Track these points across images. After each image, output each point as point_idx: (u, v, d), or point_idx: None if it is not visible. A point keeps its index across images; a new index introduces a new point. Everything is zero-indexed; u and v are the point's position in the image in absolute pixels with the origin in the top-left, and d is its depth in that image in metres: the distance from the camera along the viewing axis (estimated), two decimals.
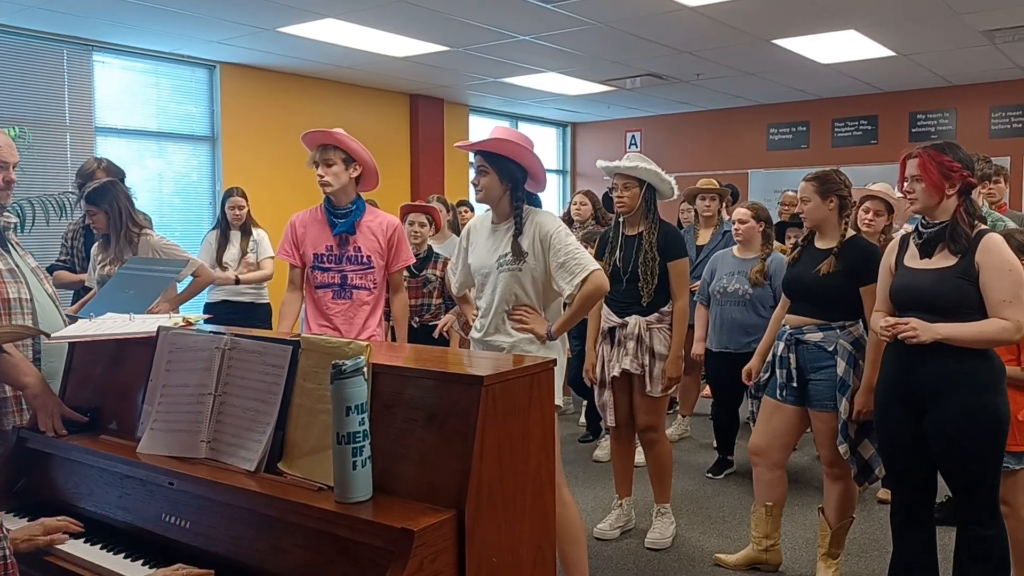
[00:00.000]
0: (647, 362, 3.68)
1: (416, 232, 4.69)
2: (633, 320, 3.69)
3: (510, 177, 2.95)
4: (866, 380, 3.14)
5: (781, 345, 3.35)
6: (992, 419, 2.63)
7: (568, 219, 6.04)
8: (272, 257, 5.42)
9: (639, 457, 4.71)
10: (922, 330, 2.60)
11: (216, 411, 2.00)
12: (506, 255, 2.95)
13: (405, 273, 4.61)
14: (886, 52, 7.18)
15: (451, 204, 6.29)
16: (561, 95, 9.25)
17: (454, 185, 9.53)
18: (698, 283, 5.01)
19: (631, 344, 3.68)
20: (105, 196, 3.90)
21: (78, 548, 1.96)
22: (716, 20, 6.14)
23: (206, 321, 2.37)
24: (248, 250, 5.42)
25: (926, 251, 2.71)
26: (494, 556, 1.72)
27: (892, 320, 2.68)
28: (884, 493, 4.42)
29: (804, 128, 9.93)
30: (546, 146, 11.50)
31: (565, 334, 3.09)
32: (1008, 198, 8.19)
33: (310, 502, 1.71)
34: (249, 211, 5.50)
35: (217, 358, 2.03)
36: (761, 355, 3.62)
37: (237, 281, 5.29)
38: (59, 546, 1.96)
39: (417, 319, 4.62)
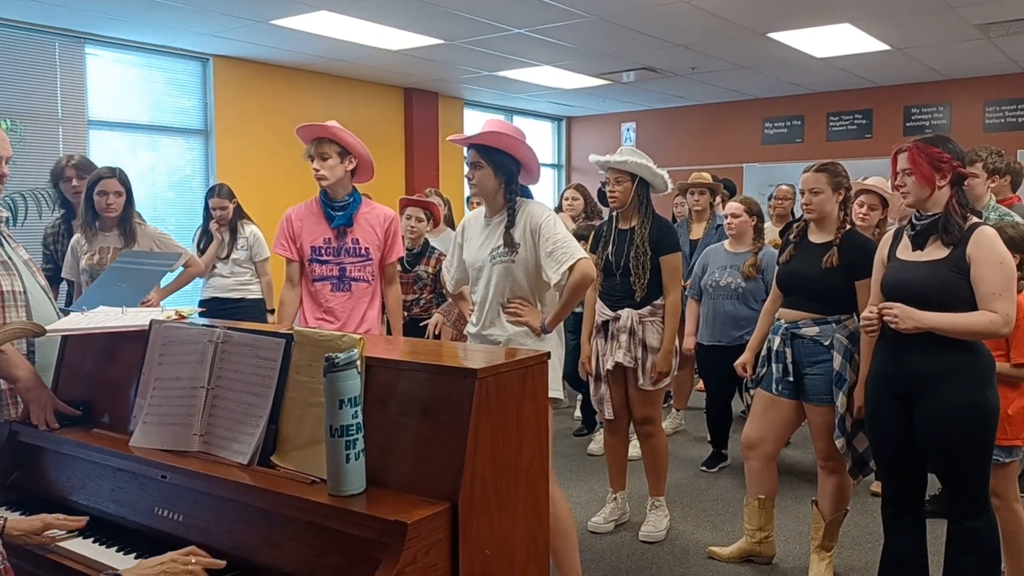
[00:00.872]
0: (640, 355, 3.68)
1: (413, 227, 4.67)
2: (626, 313, 3.70)
3: (504, 170, 2.95)
4: (863, 375, 3.14)
5: (777, 339, 3.35)
6: (981, 413, 2.63)
7: (559, 213, 6.03)
8: (267, 259, 5.34)
9: (633, 451, 4.73)
10: (904, 316, 2.60)
11: (209, 404, 2.00)
12: (499, 247, 2.96)
13: (397, 267, 4.62)
14: (881, 46, 7.18)
15: (447, 198, 6.27)
16: (556, 89, 9.23)
17: (449, 179, 9.51)
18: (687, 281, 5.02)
19: (624, 337, 3.69)
20: (127, 178, 3.93)
21: (71, 542, 1.95)
22: (711, 13, 6.13)
23: (199, 315, 2.37)
24: (237, 247, 5.27)
25: (918, 243, 2.72)
26: (487, 548, 1.72)
27: (874, 312, 2.68)
28: (877, 486, 4.43)
29: (799, 122, 9.93)
30: (541, 140, 11.49)
31: (561, 327, 3.09)
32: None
33: (303, 495, 1.71)
34: (238, 207, 5.33)
35: (210, 351, 2.02)
36: (753, 349, 3.62)
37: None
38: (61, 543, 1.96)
39: (406, 313, 4.62)
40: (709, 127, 10.46)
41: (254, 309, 5.29)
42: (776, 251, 4.12)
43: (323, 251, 3.45)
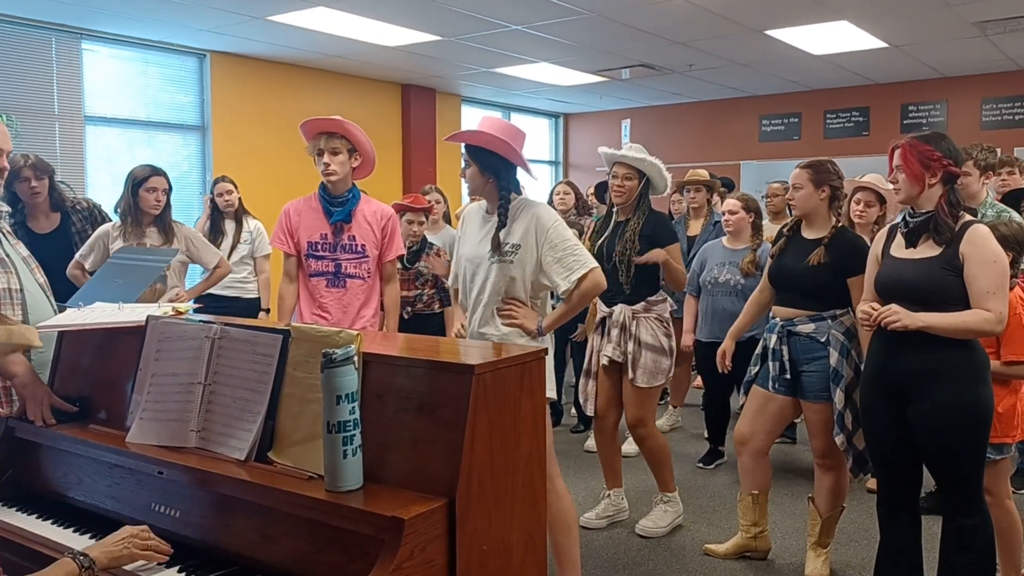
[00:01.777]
0: (631, 350, 3.67)
1: (415, 232, 4.69)
2: (618, 308, 3.71)
3: (491, 169, 2.89)
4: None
5: (773, 337, 3.35)
6: (975, 411, 2.63)
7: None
8: (268, 255, 5.34)
9: (628, 447, 4.74)
10: (904, 317, 2.61)
11: (206, 400, 1.99)
12: (498, 247, 2.91)
13: (398, 265, 4.62)
14: (878, 43, 7.18)
15: (445, 195, 6.27)
16: (554, 85, 9.23)
17: (446, 175, 9.50)
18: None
19: (615, 332, 3.69)
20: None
21: (66, 536, 1.95)
22: (709, 10, 6.13)
23: (196, 311, 2.37)
24: (242, 240, 5.31)
25: (912, 240, 2.72)
26: (485, 544, 1.72)
27: (872, 308, 2.68)
28: (874, 483, 4.44)
29: (796, 120, 9.93)
30: (539, 137, 11.48)
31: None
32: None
33: (300, 491, 1.71)
34: (240, 199, 5.40)
35: (207, 347, 2.02)
36: (734, 336, 3.66)
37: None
38: (42, 532, 1.96)
39: (409, 309, 4.63)
40: (706, 124, 10.46)
41: (249, 310, 5.26)
42: None
43: (319, 247, 3.45)
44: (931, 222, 2.66)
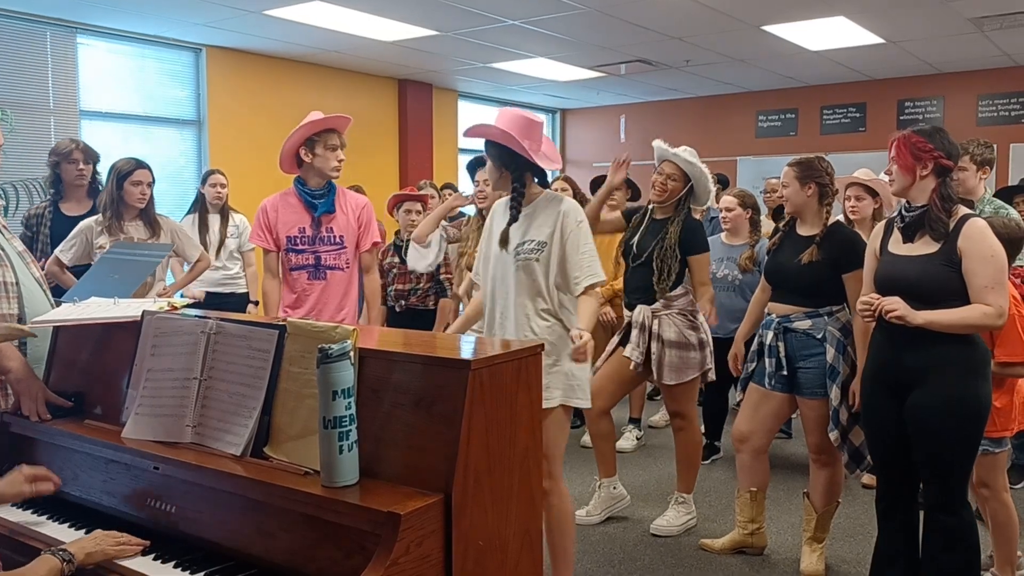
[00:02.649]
0: (655, 349, 3.65)
1: (413, 220, 4.68)
2: (638, 309, 3.69)
3: (504, 163, 2.84)
4: (859, 368, 3.16)
5: (769, 334, 3.35)
6: (972, 405, 2.64)
7: None
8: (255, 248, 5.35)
9: (624, 443, 4.76)
10: (903, 309, 2.61)
11: (201, 395, 1.99)
12: (524, 243, 2.83)
13: (396, 259, 4.64)
14: (875, 39, 7.18)
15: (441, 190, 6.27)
16: (550, 81, 9.21)
17: (443, 170, 9.49)
18: None
19: (635, 333, 3.68)
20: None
21: (61, 532, 1.95)
22: (706, 6, 6.12)
23: (189, 306, 2.36)
24: (228, 235, 5.30)
25: (908, 235, 2.72)
26: (481, 540, 1.72)
27: (873, 299, 2.68)
28: (869, 478, 4.45)
29: (793, 115, 9.94)
30: None
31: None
32: (994, 186, 8.24)
33: (296, 486, 1.71)
34: (227, 195, 5.39)
35: (202, 342, 2.02)
36: (742, 338, 3.64)
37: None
38: (36, 528, 1.96)
39: (403, 302, 4.65)
40: (703, 120, 10.45)
41: (242, 306, 5.27)
42: None
43: (298, 240, 3.50)
44: (925, 217, 2.66)
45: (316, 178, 3.49)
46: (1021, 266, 3.39)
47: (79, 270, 3.58)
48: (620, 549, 3.72)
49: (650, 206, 3.81)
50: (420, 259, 4.48)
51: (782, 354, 3.31)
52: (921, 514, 2.88)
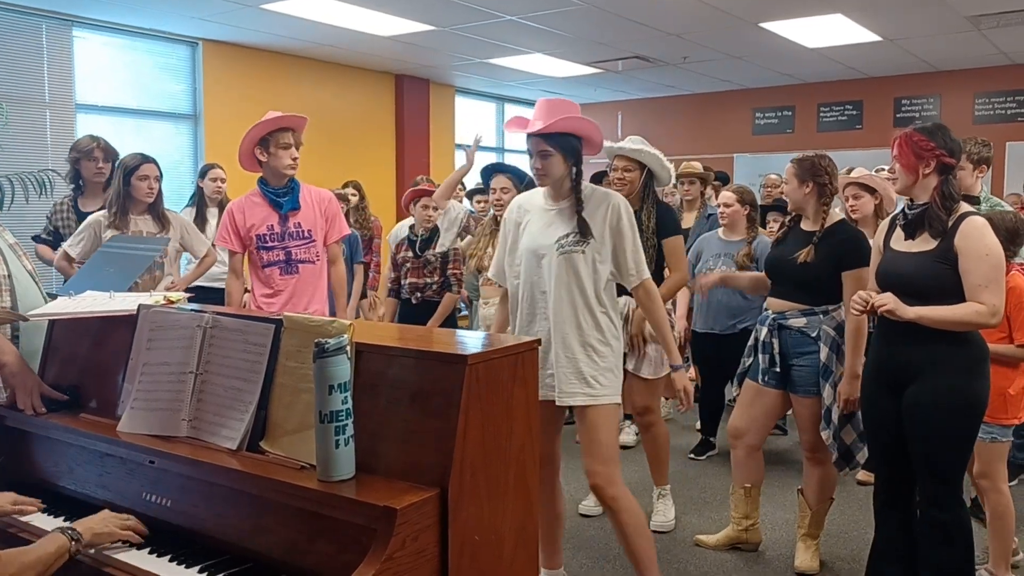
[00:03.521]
0: (638, 343, 3.67)
1: (429, 216, 4.74)
2: (623, 300, 3.70)
3: (573, 153, 2.76)
4: (849, 367, 3.15)
5: (764, 330, 3.36)
6: (966, 402, 2.65)
7: None
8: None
9: (625, 438, 4.76)
10: (893, 304, 2.61)
11: (197, 390, 1.99)
12: (568, 235, 2.75)
13: (409, 254, 4.67)
14: (872, 37, 7.19)
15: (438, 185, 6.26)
16: (547, 77, 9.21)
17: (439, 166, 9.48)
18: None
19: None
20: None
21: (55, 525, 1.94)
22: (704, 2, 6.12)
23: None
24: None
25: (910, 232, 2.73)
26: (477, 535, 1.72)
27: (866, 296, 2.69)
28: (864, 475, 4.47)
29: (789, 113, 9.95)
30: None
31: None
32: (990, 184, 8.26)
33: (292, 481, 1.71)
34: (226, 189, 5.40)
35: (198, 336, 2.01)
36: (726, 276, 3.74)
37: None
38: (25, 519, 1.97)
39: (419, 295, 4.70)
40: (700, 117, 10.46)
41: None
42: (770, 240, 4.14)
43: (267, 238, 3.57)
44: (925, 215, 2.67)
45: (274, 177, 3.55)
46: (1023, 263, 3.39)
47: None
48: (615, 544, 3.72)
49: None
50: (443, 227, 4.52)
51: (776, 351, 3.31)
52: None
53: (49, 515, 2.01)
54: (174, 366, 2.03)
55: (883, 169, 5.70)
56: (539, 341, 1.97)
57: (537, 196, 2.91)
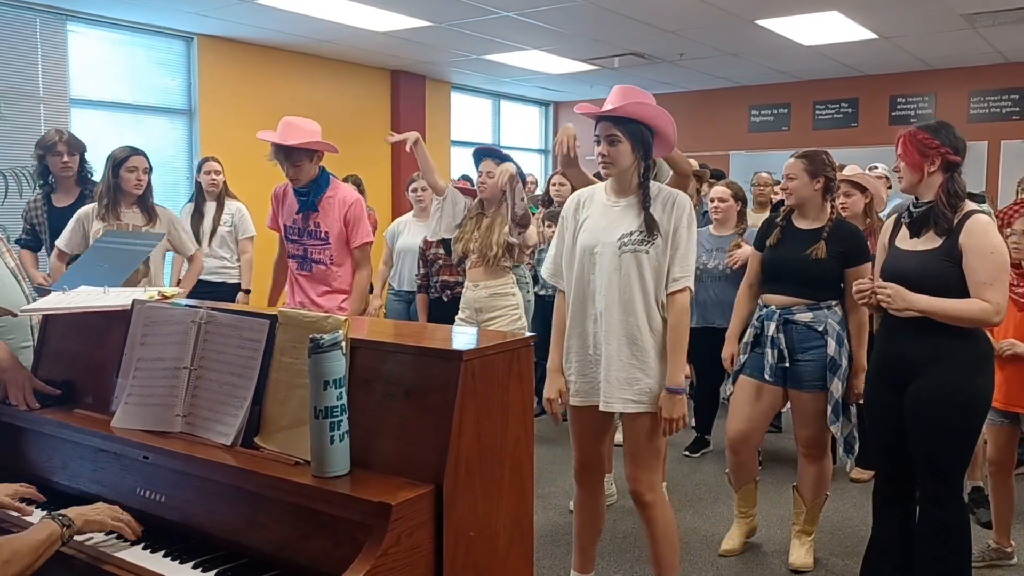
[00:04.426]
0: None
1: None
2: None
3: (644, 144, 2.62)
4: (857, 361, 3.21)
5: (772, 325, 3.32)
6: (970, 399, 2.65)
7: (548, 199, 6.02)
8: (252, 237, 5.32)
9: (621, 435, 4.74)
10: (897, 297, 2.61)
11: (192, 385, 1.98)
12: (632, 233, 2.63)
13: (441, 250, 4.65)
14: (868, 34, 7.19)
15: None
16: (544, 74, 9.19)
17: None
18: None
19: None
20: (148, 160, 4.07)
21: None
22: None
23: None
24: (222, 223, 5.26)
25: (915, 230, 2.72)
26: (472, 530, 1.72)
27: (868, 284, 2.70)
28: (858, 473, 4.49)
29: (785, 110, 9.95)
30: (528, 125, 11.46)
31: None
32: (985, 183, 8.28)
33: (287, 476, 1.70)
34: (225, 182, 5.37)
35: (193, 332, 2.01)
36: (734, 337, 3.62)
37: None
38: (25, 516, 1.95)
39: (449, 292, 4.73)
40: (695, 114, 10.45)
41: (232, 295, 5.22)
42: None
43: (291, 231, 3.68)
44: (930, 213, 2.66)
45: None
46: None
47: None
48: (610, 540, 3.73)
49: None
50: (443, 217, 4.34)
51: (783, 346, 3.31)
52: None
53: (43, 510, 2.00)
54: (168, 361, 2.02)
55: (877, 167, 5.72)
56: (534, 337, 1.97)
57: (599, 191, 2.78)
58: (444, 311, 4.63)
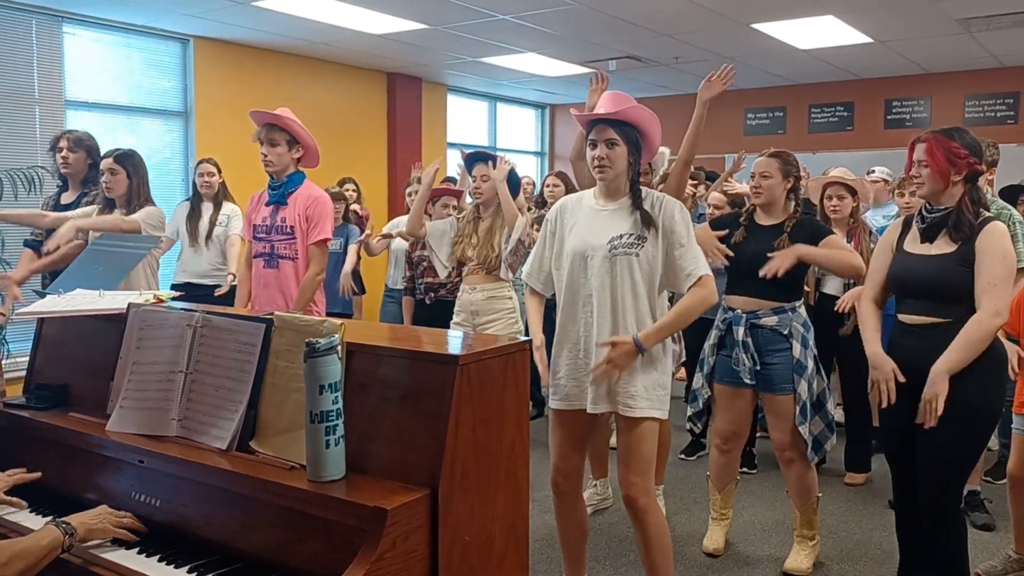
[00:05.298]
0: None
1: (449, 215, 4.70)
2: None
3: (636, 148, 2.64)
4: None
5: (740, 330, 3.32)
6: (982, 410, 2.64)
7: (542, 200, 6.03)
8: (241, 236, 5.31)
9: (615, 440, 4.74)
10: (939, 394, 2.57)
11: (187, 389, 1.98)
12: (623, 236, 2.62)
13: (426, 252, 4.66)
14: (863, 39, 7.21)
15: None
16: (540, 76, 9.20)
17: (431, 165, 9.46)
18: None
19: None
20: (131, 159, 4.01)
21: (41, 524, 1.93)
22: (696, 3, 6.13)
23: (175, 300, 2.35)
24: (217, 223, 5.28)
25: (929, 236, 2.71)
26: (467, 535, 1.72)
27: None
28: (851, 477, 4.50)
29: (781, 113, 9.96)
30: (524, 128, 11.46)
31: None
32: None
33: (282, 480, 1.70)
34: (223, 184, 5.38)
35: (188, 335, 2.01)
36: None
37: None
38: (12, 518, 1.96)
39: (432, 295, 4.72)
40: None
41: (228, 298, 5.19)
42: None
43: (259, 229, 3.70)
44: (950, 218, 2.65)
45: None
46: None
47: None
48: (605, 544, 3.73)
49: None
50: (439, 249, 4.28)
51: (752, 349, 3.32)
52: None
53: (37, 514, 2.00)
54: (164, 365, 2.02)
55: (875, 171, 5.73)
56: (530, 342, 1.97)
57: (587, 197, 2.78)
58: (429, 313, 4.63)
